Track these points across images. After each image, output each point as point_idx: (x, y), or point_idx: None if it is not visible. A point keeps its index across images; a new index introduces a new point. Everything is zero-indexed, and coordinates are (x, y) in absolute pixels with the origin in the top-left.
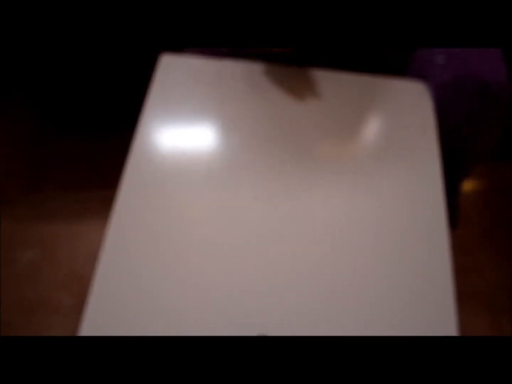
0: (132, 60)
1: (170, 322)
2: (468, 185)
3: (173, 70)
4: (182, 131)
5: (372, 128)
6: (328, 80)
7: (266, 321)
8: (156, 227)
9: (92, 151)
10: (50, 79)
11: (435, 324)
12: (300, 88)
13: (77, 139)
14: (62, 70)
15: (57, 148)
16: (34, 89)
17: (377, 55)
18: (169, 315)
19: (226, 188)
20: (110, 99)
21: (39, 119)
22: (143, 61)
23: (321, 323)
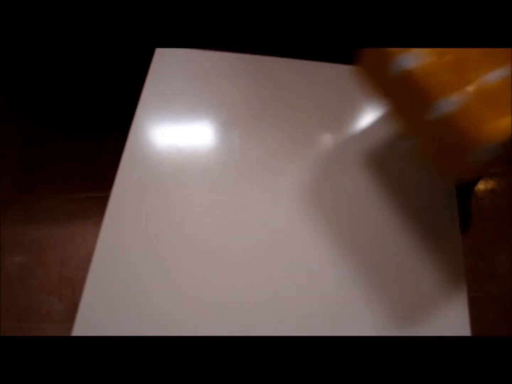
0: (126, 59)
1: (164, 326)
2: (481, 187)
3: (168, 64)
4: (178, 128)
5: (379, 123)
6: (333, 73)
7: (268, 321)
8: (150, 228)
9: (86, 150)
10: (42, 79)
11: (448, 327)
12: (302, 82)
13: (71, 138)
14: (54, 69)
15: (50, 148)
16: (26, 88)
17: None
18: (163, 319)
19: (224, 186)
20: (104, 98)
21: (32, 119)
22: (138, 60)
23: (331, 324)
